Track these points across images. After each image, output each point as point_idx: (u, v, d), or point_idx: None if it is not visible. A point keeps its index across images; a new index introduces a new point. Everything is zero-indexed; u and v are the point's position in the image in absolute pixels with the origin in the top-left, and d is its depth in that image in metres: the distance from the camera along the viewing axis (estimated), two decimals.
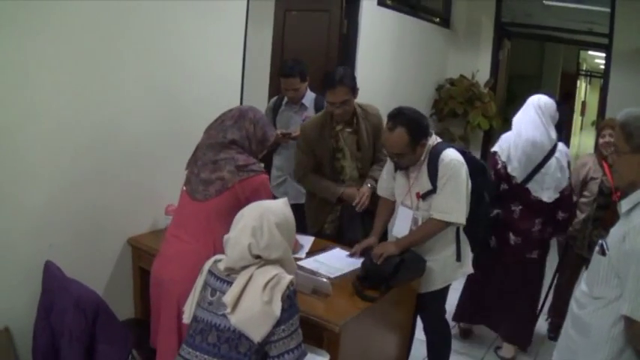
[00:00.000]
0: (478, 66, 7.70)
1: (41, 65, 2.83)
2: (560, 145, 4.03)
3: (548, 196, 4.01)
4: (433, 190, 3.27)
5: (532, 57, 11.53)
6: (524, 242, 4.13)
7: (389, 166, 3.55)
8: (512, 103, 9.64)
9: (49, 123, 2.90)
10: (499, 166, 4.05)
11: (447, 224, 3.25)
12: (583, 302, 2.53)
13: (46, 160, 2.93)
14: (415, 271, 3.24)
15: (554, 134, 3.96)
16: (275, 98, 4.83)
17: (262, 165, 2.97)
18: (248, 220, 2.30)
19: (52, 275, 2.76)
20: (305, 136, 3.91)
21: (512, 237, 4.13)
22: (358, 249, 3.45)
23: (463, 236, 3.45)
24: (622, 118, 2.37)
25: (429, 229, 3.28)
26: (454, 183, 3.20)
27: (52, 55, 2.86)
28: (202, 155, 2.85)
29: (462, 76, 7.58)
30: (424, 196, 3.31)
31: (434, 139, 3.34)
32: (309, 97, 4.61)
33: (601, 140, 4.32)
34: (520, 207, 4.09)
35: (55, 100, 2.92)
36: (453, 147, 3.33)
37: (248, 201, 2.63)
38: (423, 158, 3.29)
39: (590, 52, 12.62)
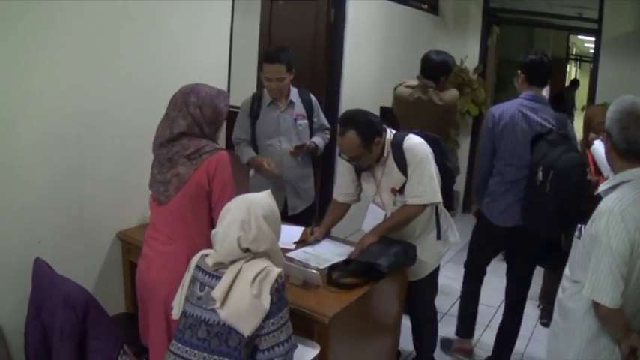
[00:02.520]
0: (467, 52, 7.67)
1: (28, 62, 2.82)
2: None
3: None
4: (405, 182, 3.29)
5: (521, 42, 11.50)
6: None
7: (345, 171, 3.54)
8: (502, 88, 9.66)
9: (35, 118, 2.89)
10: None
11: (424, 207, 3.27)
12: (565, 286, 2.60)
13: (33, 156, 2.92)
14: (406, 258, 3.22)
15: None
16: (249, 99, 4.17)
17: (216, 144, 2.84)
18: (236, 214, 2.30)
19: (41, 272, 2.75)
20: None
21: None
22: (313, 237, 3.51)
23: (443, 212, 3.51)
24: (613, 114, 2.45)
25: (407, 214, 3.28)
26: (422, 166, 3.22)
27: (38, 52, 2.85)
28: (157, 154, 2.81)
29: None
30: (401, 190, 3.32)
31: (389, 134, 3.33)
32: (293, 91, 4.12)
33: (593, 135, 4.25)
34: None
35: (41, 96, 2.91)
36: (408, 132, 3.35)
37: (211, 184, 2.69)
38: (385, 155, 3.30)
39: (580, 37, 12.61)
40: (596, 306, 2.31)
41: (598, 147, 3.56)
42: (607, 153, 2.47)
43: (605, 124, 2.43)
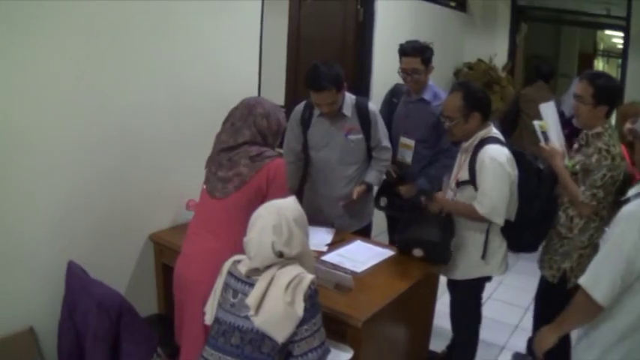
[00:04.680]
0: (495, 49, 7.65)
1: (58, 65, 2.83)
2: None
3: None
4: (469, 182, 3.28)
5: (549, 37, 11.39)
6: None
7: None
8: (530, 84, 9.58)
9: (66, 122, 2.91)
10: None
11: (479, 214, 3.21)
12: None
13: (65, 160, 2.94)
14: (435, 252, 3.29)
15: None
16: (301, 107, 3.91)
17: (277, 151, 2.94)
18: (267, 219, 2.31)
19: (74, 275, 2.77)
20: None
21: None
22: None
23: (499, 237, 3.36)
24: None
25: (464, 209, 3.29)
26: (495, 182, 3.16)
27: (70, 55, 2.87)
28: (217, 156, 2.85)
29: (479, 60, 7.52)
30: (459, 184, 3.36)
31: (490, 130, 3.34)
32: (348, 101, 3.76)
33: (629, 125, 4.20)
34: None
35: (73, 100, 2.92)
36: (503, 145, 3.29)
37: (269, 188, 2.74)
38: (473, 143, 3.32)
39: (607, 32, 12.47)
40: (584, 295, 2.29)
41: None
42: (639, 160, 2.44)
43: (638, 127, 2.39)
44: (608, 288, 2.22)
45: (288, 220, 2.31)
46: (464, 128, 3.30)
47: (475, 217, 3.23)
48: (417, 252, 3.28)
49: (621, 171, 3.12)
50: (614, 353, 2.32)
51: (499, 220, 3.20)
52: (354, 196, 3.76)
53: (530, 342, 3.69)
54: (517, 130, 6.47)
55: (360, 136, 3.78)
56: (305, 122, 3.86)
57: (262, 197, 2.76)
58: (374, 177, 3.90)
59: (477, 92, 3.35)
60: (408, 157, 4.10)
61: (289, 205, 2.39)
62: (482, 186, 3.19)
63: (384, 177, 4.07)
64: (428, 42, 4.11)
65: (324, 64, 3.58)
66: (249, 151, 2.77)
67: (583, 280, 2.31)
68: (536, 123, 3.45)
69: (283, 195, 2.73)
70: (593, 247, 3.12)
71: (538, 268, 3.55)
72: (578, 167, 3.24)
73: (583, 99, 3.17)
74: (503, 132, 3.46)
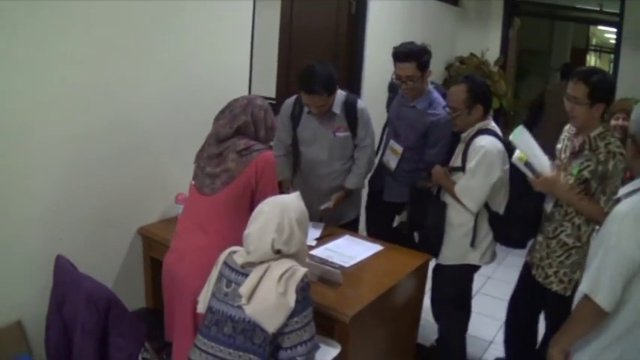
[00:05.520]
0: (488, 44, 7.64)
1: (53, 58, 2.82)
2: None
3: None
4: (461, 169, 3.37)
5: (541, 32, 11.40)
6: None
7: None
8: (522, 78, 9.58)
9: (56, 114, 2.90)
10: None
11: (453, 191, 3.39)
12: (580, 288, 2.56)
13: (55, 153, 2.93)
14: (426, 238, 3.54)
15: None
16: (291, 102, 3.89)
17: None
18: (270, 215, 2.34)
19: (63, 269, 2.77)
20: None
21: None
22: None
23: (486, 226, 3.45)
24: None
25: (447, 184, 3.45)
26: (478, 168, 3.27)
27: (63, 48, 2.86)
28: (208, 147, 2.86)
29: (471, 54, 7.53)
30: (451, 170, 3.45)
31: (488, 123, 3.43)
32: (339, 98, 3.73)
33: (613, 122, 4.24)
34: None
35: (64, 92, 2.91)
36: (498, 138, 3.36)
37: (258, 182, 2.75)
38: (470, 134, 3.40)
39: (600, 27, 12.49)
40: (587, 302, 2.26)
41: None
42: (631, 158, 2.42)
43: (631, 129, 2.38)
44: (611, 291, 2.20)
45: (290, 219, 2.34)
46: (467, 119, 3.39)
47: (453, 195, 3.39)
48: (416, 236, 3.55)
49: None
50: (610, 352, 2.31)
51: (468, 203, 3.33)
52: (332, 204, 3.75)
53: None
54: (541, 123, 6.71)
55: (348, 133, 3.78)
56: (295, 118, 3.85)
57: (251, 192, 2.77)
58: (353, 182, 3.87)
59: (481, 86, 3.45)
60: (393, 162, 4.02)
61: (293, 203, 2.42)
62: (466, 168, 3.31)
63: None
64: (425, 43, 3.85)
65: (319, 63, 3.56)
66: (237, 144, 2.77)
67: (584, 287, 2.27)
68: (514, 159, 3.21)
69: (273, 189, 2.77)
70: None
71: (543, 284, 3.30)
72: (587, 174, 3.04)
73: (578, 100, 3.02)
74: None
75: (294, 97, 3.89)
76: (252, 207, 2.73)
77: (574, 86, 3.05)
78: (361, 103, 3.83)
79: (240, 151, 2.76)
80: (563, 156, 3.26)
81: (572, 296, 3.16)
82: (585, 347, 2.37)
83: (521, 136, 3.17)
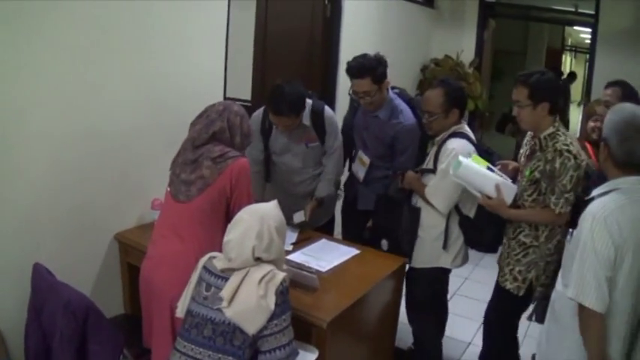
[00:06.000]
0: (463, 46, 7.70)
1: (24, 64, 2.81)
2: None
3: None
4: (432, 171, 3.43)
5: (517, 32, 11.50)
6: None
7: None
8: (498, 79, 9.64)
9: (32, 121, 2.89)
10: None
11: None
12: (558, 289, 2.62)
13: (31, 159, 2.92)
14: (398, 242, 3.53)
15: None
16: (259, 114, 3.85)
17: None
18: (250, 223, 2.39)
19: (40, 277, 2.75)
20: None
21: None
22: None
23: (457, 230, 3.49)
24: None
25: (419, 187, 3.50)
26: (445, 165, 3.31)
27: (34, 53, 2.84)
28: (183, 152, 2.87)
29: (446, 56, 7.57)
30: (423, 172, 3.50)
31: (462, 126, 3.48)
32: (306, 108, 3.67)
33: (591, 124, 4.23)
34: None
35: (38, 98, 2.90)
36: (469, 141, 3.42)
37: (233, 190, 2.76)
38: (443, 137, 3.45)
39: (576, 28, 12.59)
40: (581, 309, 2.32)
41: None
42: (603, 161, 2.47)
43: (604, 133, 2.43)
44: (597, 291, 2.25)
45: (270, 227, 2.40)
46: (443, 123, 3.43)
47: (424, 197, 3.45)
48: (384, 244, 3.56)
49: (583, 168, 3.05)
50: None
51: (438, 204, 3.40)
52: (306, 216, 3.73)
53: None
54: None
55: (317, 143, 3.80)
56: (265, 132, 3.83)
57: (227, 199, 2.79)
58: (324, 189, 3.88)
59: (457, 90, 3.49)
60: (361, 172, 4.02)
61: (272, 212, 2.47)
62: (437, 170, 3.38)
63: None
64: (379, 54, 3.76)
65: (288, 83, 3.51)
66: (212, 151, 2.79)
67: (571, 293, 2.33)
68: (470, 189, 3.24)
69: (248, 197, 2.79)
70: (559, 254, 3.07)
71: (499, 281, 3.39)
72: (537, 174, 3.10)
73: (520, 103, 3.08)
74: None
75: (261, 111, 3.85)
76: (227, 213, 2.76)
77: (515, 90, 3.12)
78: (328, 111, 3.82)
79: (215, 158, 2.77)
80: (522, 160, 3.33)
81: (522, 297, 3.26)
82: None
83: (461, 170, 3.14)
